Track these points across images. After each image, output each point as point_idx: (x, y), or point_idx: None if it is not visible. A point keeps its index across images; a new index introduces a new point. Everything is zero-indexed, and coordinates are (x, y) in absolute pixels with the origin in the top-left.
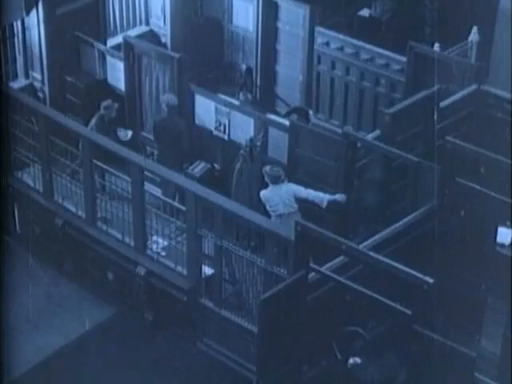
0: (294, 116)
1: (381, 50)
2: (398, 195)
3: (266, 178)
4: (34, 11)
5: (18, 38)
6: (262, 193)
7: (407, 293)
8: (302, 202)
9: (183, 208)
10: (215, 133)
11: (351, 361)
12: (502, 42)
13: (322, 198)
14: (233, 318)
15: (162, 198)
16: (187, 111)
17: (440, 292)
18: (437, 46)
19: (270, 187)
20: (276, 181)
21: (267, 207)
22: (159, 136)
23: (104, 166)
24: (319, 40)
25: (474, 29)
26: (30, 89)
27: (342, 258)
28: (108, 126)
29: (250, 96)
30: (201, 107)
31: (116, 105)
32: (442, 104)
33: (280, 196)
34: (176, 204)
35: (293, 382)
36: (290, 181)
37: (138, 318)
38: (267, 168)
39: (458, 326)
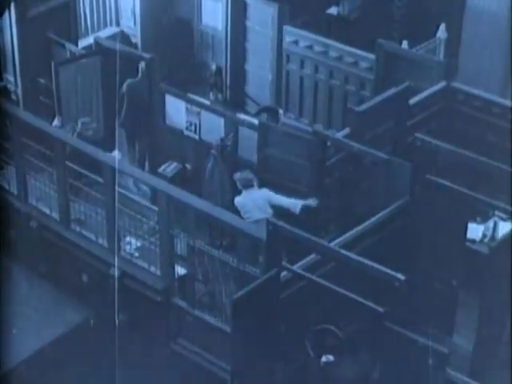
0: (264, 115)
1: (349, 48)
2: (369, 193)
3: (238, 185)
4: (5, 13)
5: None
6: (236, 199)
7: (379, 290)
8: (274, 208)
9: (155, 208)
10: (186, 133)
11: (324, 359)
12: (470, 39)
13: (295, 204)
14: (206, 317)
15: (135, 198)
16: (158, 111)
17: (411, 289)
18: (405, 44)
19: (243, 193)
20: (247, 185)
21: (242, 214)
22: (129, 96)
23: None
24: (288, 39)
25: (442, 26)
26: (4, 91)
27: (313, 256)
28: None
29: (220, 95)
30: (171, 107)
31: (94, 124)
32: (412, 101)
33: (254, 201)
34: (149, 204)
35: (267, 380)
36: (262, 183)
37: (112, 318)
38: (237, 174)
39: (430, 322)
